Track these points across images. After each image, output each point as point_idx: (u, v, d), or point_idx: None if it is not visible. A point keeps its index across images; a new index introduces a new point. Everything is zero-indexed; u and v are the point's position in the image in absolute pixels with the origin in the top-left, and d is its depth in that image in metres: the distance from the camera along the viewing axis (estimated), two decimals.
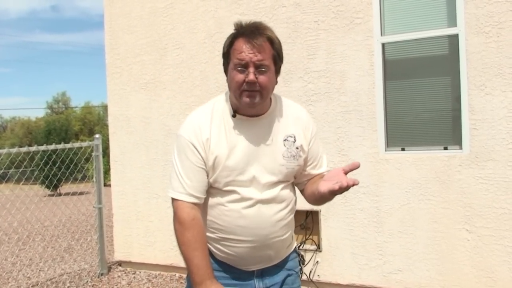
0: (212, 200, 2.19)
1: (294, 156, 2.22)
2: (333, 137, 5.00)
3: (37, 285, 6.09)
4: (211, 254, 2.22)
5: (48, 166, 7.13)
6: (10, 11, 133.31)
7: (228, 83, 2.15)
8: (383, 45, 4.82)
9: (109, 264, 6.58)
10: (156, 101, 6.01)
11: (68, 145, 6.05)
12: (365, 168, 4.85)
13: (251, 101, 2.10)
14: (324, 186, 2.06)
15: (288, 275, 2.37)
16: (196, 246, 2.08)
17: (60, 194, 19.08)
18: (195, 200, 2.13)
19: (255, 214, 2.15)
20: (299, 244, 5.21)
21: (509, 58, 4.32)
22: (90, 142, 6.19)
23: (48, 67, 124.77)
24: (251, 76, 2.05)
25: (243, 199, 2.15)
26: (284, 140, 2.22)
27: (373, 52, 4.83)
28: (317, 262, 5.12)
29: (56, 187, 19.91)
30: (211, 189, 2.18)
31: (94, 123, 48.82)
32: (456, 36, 4.53)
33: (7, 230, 9.20)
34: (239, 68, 2.07)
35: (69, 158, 6.67)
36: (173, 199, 2.15)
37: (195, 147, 2.12)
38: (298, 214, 5.16)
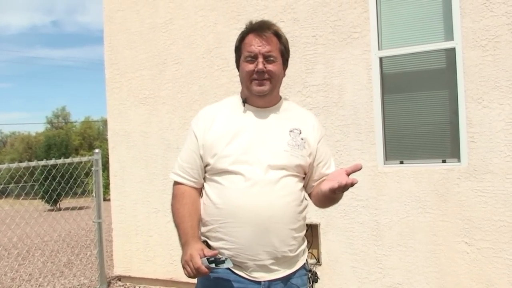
0: (216, 187, 2.23)
1: (298, 146, 2.27)
2: (332, 151, 4.99)
3: None
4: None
5: (48, 181, 7.13)
6: (11, 27, 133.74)
7: (240, 76, 2.33)
8: (380, 59, 4.85)
9: (108, 279, 6.56)
10: (156, 115, 6.04)
11: (68, 160, 6.06)
12: (364, 182, 4.87)
13: (261, 89, 2.26)
14: (325, 185, 2.17)
15: None
16: (184, 214, 2.22)
17: (60, 209, 19.05)
18: (183, 181, 2.30)
19: (255, 194, 2.14)
20: None
21: (506, 71, 4.35)
22: (90, 157, 6.20)
23: (48, 82, 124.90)
24: (260, 65, 2.24)
25: (245, 179, 2.16)
26: (290, 131, 2.29)
27: (371, 66, 4.86)
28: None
29: (56, 202, 19.90)
30: (216, 176, 2.24)
31: (94, 137, 48.81)
32: (453, 50, 4.57)
33: (6, 245, 9.19)
34: (249, 59, 2.25)
35: (69, 173, 6.67)
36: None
37: (193, 131, 2.30)
38: None
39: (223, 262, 2.04)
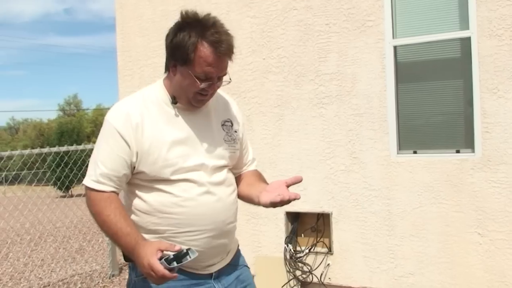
0: (162, 195, 2.07)
1: (234, 140, 2.26)
2: (344, 140, 4.99)
3: (49, 285, 6.13)
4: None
5: (60, 167, 7.17)
6: (24, 14, 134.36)
7: (178, 82, 2.07)
8: (395, 48, 4.81)
9: (120, 265, 6.60)
10: None
11: (80, 147, 6.09)
12: (376, 171, 4.85)
13: (202, 104, 2.14)
14: (266, 197, 2.08)
15: (241, 272, 2.35)
16: (117, 218, 1.98)
17: (71, 196, 19.18)
18: (107, 189, 2.04)
19: (211, 199, 2.11)
20: (309, 247, 5.20)
21: None
22: None
23: (60, 69, 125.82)
24: (214, 88, 2.08)
25: (196, 185, 2.09)
26: (222, 125, 2.24)
27: (385, 55, 4.82)
28: (328, 265, 5.11)
29: (68, 188, 20.02)
30: (158, 184, 2.07)
31: None
32: (468, 39, 4.51)
33: (19, 231, 9.27)
34: (202, 78, 2.01)
35: (81, 160, 6.70)
36: (86, 187, 2.07)
37: (119, 133, 2.03)
38: (309, 216, 5.20)
39: (185, 255, 1.87)
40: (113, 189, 2.05)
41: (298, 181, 2.11)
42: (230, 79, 2.11)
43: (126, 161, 2.03)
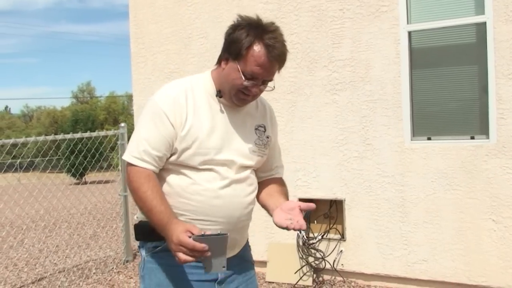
0: (185, 180, 2.11)
1: (264, 145, 2.28)
2: (358, 127, 4.97)
3: (64, 271, 6.19)
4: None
5: (74, 154, 7.21)
6: (37, 2, 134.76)
7: (225, 76, 2.11)
8: (409, 33, 4.76)
9: (134, 251, 6.65)
10: None
11: (94, 134, 6.11)
12: (390, 158, 4.83)
13: (243, 103, 2.16)
14: (277, 217, 2.08)
15: (244, 265, 2.37)
16: (154, 196, 2.02)
17: (85, 183, 19.34)
18: (148, 166, 2.07)
19: (230, 194, 2.15)
20: (322, 233, 5.21)
21: None
22: (116, 131, 6.24)
23: (73, 57, 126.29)
24: (257, 90, 2.09)
25: (220, 178, 2.13)
26: (256, 129, 2.26)
27: (399, 40, 4.78)
28: (341, 251, 5.11)
29: (81, 175, 20.18)
30: (184, 169, 2.11)
31: (118, 112, 49.18)
32: (484, 24, 4.46)
33: (34, 217, 9.36)
34: (248, 76, 2.04)
35: (94, 147, 6.73)
36: (127, 163, 2.10)
37: (166, 116, 2.07)
38: (322, 203, 5.20)
39: (214, 235, 1.89)
40: (153, 167, 2.09)
41: (311, 209, 2.09)
42: (274, 87, 2.13)
43: (169, 143, 2.08)
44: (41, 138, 5.64)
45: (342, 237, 5.13)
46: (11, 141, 5.27)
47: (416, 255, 4.78)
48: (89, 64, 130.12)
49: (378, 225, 4.94)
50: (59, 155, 13.82)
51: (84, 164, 7.81)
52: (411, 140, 4.77)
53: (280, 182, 2.42)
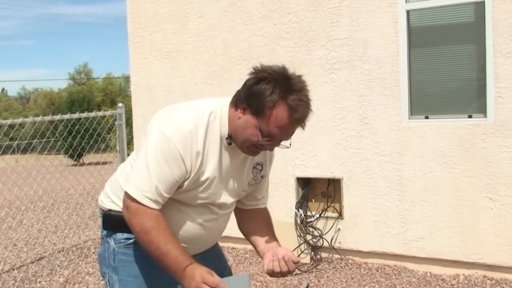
0: (177, 211, 2.08)
1: (256, 184, 2.25)
2: (355, 106, 4.97)
3: (63, 250, 6.23)
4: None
5: (72, 135, 7.21)
6: None
7: (241, 128, 1.97)
8: (407, 12, 4.75)
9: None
10: (178, 70, 6.02)
11: (92, 114, 6.10)
12: (388, 137, 4.84)
13: (254, 155, 2.09)
14: (266, 260, 2.14)
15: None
16: (167, 240, 1.95)
17: (83, 164, 19.35)
18: (158, 208, 1.97)
19: (214, 225, 2.19)
20: (320, 212, 5.24)
21: None
22: (113, 111, 6.23)
23: (70, 38, 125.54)
24: (272, 148, 2.03)
25: (210, 213, 2.14)
26: (253, 168, 2.20)
27: (398, 19, 4.76)
28: (339, 229, 5.15)
29: (79, 156, 20.19)
30: (178, 202, 2.07)
31: (115, 94, 49.04)
32: (482, 3, 4.45)
33: (32, 198, 9.39)
34: (265, 136, 1.94)
35: (92, 128, 6.74)
36: (134, 200, 1.95)
37: (182, 159, 1.94)
38: (320, 182, 5.23)
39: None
40: (160, 208, 2.00)
41: (296, 262, 2.13)
42: (290, 145, 2.05)
43: (178, 184, 1.99)
44: (39, 118, 5.63)
45: (340, 216, 5.17)
46: (9, 121, 5.26)
47: (413, 232, 4.82)
48: (86, 45, 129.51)
49: (376, 204, 4.97)
50: (56, 137, 13.82)
51: (82, 145, 7.80)
52: (409, 119, 4.79)
53: (265, 215, 2.39)
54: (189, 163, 1.95)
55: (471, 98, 4.66)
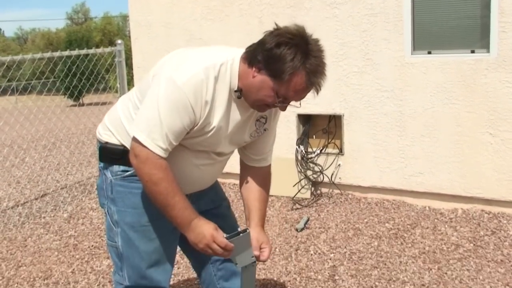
0: (176, 154, 2.07)
1: (258, 135, 2.27)
2: (358, 41, 4.92)
3: (66, 187, 6.30)
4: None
5: (69, 76, 7.16)
6: None
7: (255, 87, 1.97)
8: None
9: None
10: (177, 5, 5.91)
11: (91, 51, 6.06)
12: (390, 72, 4.82)
13: (263, 112, 2.12)
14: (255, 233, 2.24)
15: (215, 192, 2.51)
16: (175, 192, 1.99)
17: (82, 104, 19.33)
18: (166, 156, 1.98)
19: (210, 170, 2.24)
20: (321, 148, 5.28)
21: None
22: (113, 48, 6.18)
23: None
24: (284, 109, 2.03)
25: (207, 158, 2.17)
26: (257, 120, 2.21)
27: None
28: (339, 165, 5.20)
29: (78, 97, 20.14)
30: (178, 146, 2.05)
31: (114, 33, 48.46)
32: None
33: (34, 137, 9.42)
34: (280, 99, 1.97)
35: (92, 64, 6.69)
36: (145, 147, 1.95)
37: (193, 109, 1.94)
38: (321, 118, 5.24)
39: (238, 234, 2.09)
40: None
41: (261, 261, 2.24)
42: (300, 105, 2.07)
43: (186, 131, 2.01)
44: (38, 55, 5.60)
45: (340, 152, 5.20)
46: (8, 58, 5.21)
47: (413, 168, 4.86)
48: None
49: (376, 139, 4.99)
50: (54, 77, 13.72)
51: (81, 84, 7.74)
52: (412, 54, 4.74)
53: (266, 179, 2.42)
54: (198, 112, 1.96)
55: (474, 33, 4.59)
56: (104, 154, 2.22)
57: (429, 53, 4.71)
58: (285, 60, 1.88)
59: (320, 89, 1.99)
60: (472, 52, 4.56)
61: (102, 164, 2.25)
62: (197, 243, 2.03)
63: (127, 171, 2.15)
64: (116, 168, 2.18)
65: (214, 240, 2.01)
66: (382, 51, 4.84)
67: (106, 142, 2.20)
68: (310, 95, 2.03)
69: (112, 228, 2.24)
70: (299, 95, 1.98)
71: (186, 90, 1.92)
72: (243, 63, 2.01)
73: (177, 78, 1.93)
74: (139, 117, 2.00)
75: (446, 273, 3.58)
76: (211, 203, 2.43)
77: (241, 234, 2.09)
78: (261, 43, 1.96)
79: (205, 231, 2.02)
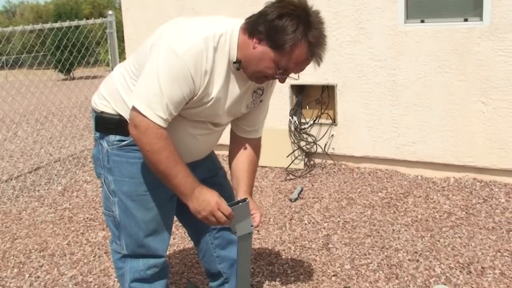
0: (173, 123, 2.05)
1: (254, 106, 2.28)
2: (351, 10, 4.89)
3: (59, 160, 6.29)
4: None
5: (60, 50, 7.08)
6: None
7: (255, 58, 1.97)
8: None
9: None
10: None
11: (82, 22, 5.99)
12: (383, 41, 4.80)
13: (261, 83, 2.14)
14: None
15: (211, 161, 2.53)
16: (176, 161, 2.00)
17: (73, 78, 19.19)
18: (165, 126, 1.98)
19: (206, 140, 2.25)
20: (314, 119, 5.28)
21: None
22: (104, 19, 6.11)
23: None
24: (283, 80, 2.04)
25: (204, 128, 2.18)
26: (254, 92, 2.21)
27: None
28: (332, 135, 5.21)
29: (69, 71, 19.98)
30: (176, 116, 2.05)
31: (103, 6, 47.92)
32: None
33: (25, 111, 9.37)
34: (280, 71, 1.98)
35: (83, 37, 6.62)
36: (145, 117, 1.93)
37: (193, 79, 1.94)
38: (314, 88, 5.23)
39: (238, 203, 2.14)
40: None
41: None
42: (298, 77, 2.05)
43: (185, 101, 2.00)
44: (29, 27, 5.53)
45: (334, 122, 5.21)
46: None
47: (405, 137, 4.88)
48: None
49: (369, 109, 5.00)
50: (44, 51, 13.60)
51: (72, 57, 7.69)
52: (405, 23, 4.72)
53: (256, 152, 2.43)
54: (198, 82, 1.96)
55: (467, 1, 4.57)
56: (100, 124, 2.21)
57: (422, 21, 4.69)
58: (287, 32, 1.89)
59: (322, 61, 1.99)
60: (465, 20, 4.54)
61: (97, 134, 2.24)
62: (201, 210, 2.04)
63: (124, 140, 2.15)
64: (112, 137, 2.17)
65: (219, 207, 2.04)
66: (375, 20, 4.82)
67: (102, 112, 2.19)
68: (310, 66, 2.03)
69: (109, 197, 2.24)
70: (300, 67, 1.99)
71: (187, 60, 1.91)
72: (243, 34, 2.00)
73: (177, 48, 1.91)
74: (138, 87, 1.99)
75: (438, 241, 3.62)
76: (208, 172, 2.43)
77: (240, 204, 2.12)
78: (262, 14, 1.95)
79: (210, 198, 2.04)
